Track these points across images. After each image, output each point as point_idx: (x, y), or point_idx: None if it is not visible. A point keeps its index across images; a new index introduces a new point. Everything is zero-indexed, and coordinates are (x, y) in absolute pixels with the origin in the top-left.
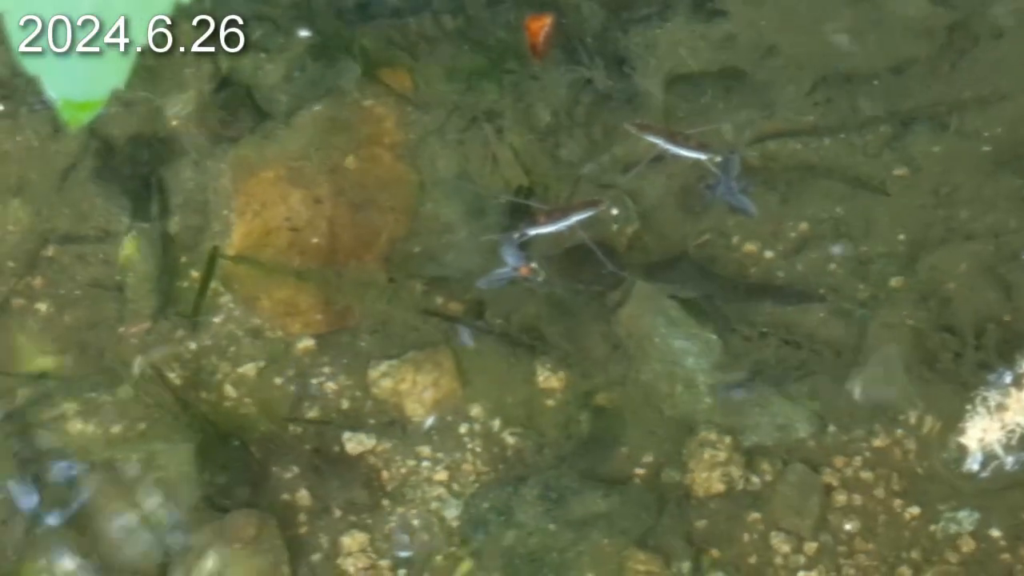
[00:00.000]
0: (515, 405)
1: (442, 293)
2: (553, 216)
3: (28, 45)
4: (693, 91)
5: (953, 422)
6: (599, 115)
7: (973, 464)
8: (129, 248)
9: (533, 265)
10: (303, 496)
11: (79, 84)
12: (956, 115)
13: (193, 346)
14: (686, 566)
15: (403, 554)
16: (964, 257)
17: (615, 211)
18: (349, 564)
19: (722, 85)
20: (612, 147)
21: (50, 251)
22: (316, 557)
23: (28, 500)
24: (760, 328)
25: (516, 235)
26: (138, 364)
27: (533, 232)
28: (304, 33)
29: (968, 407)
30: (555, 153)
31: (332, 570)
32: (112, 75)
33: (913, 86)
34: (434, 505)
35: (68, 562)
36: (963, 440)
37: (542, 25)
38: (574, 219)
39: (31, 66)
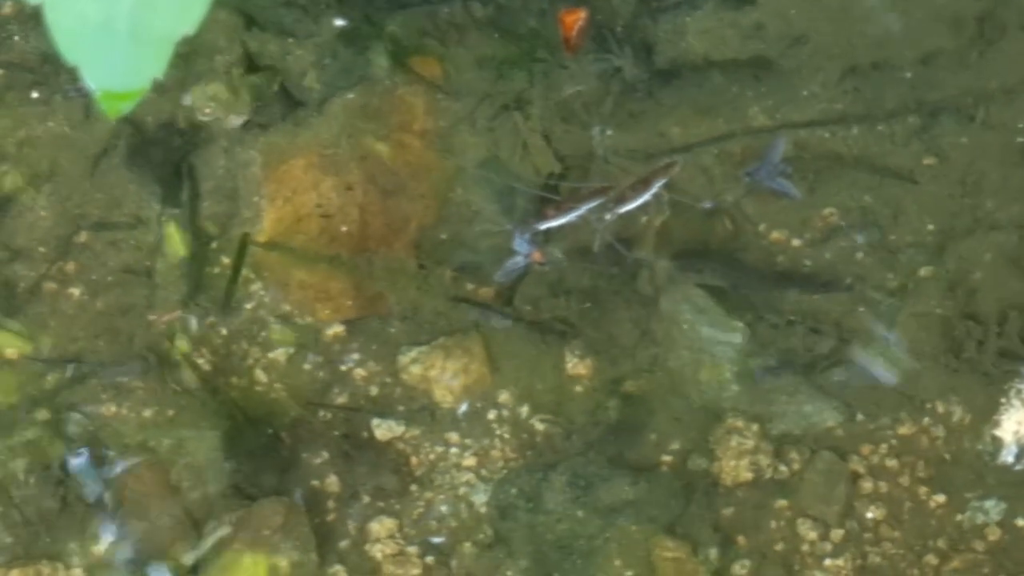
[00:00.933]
0: (544, 391)
1: (472, 280)
2: (563, 207)
3: (67, 35)
4: (722, 80)
5: (986, 414)
6: (628, 104)
7: (1008, 456)
8: (170, 233)
9: (544, 251)
10: (332, 482)
11: (118, 74)
12: (983, 106)
13: (223, 332)
14: (713, 553)
15: (431, 540)
16: (989, 247)
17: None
18: (377, 551)
19: (751, 74)
20: (639, 135)
21: (82, 237)
22: (344, 544)
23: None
24: (787, 316)
25: (526, 231)
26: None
27: (543, 226)
28: (339, 22)
29: (1002, 400)
30: (584, 141)
31: (360, 557)
32: (151, 65)
33: (941, 76)
34: (463, 491)
35: (108, 538)
36: (998, 432)
37: (576, 19)
38: (583, 210)
39: (70, 56)
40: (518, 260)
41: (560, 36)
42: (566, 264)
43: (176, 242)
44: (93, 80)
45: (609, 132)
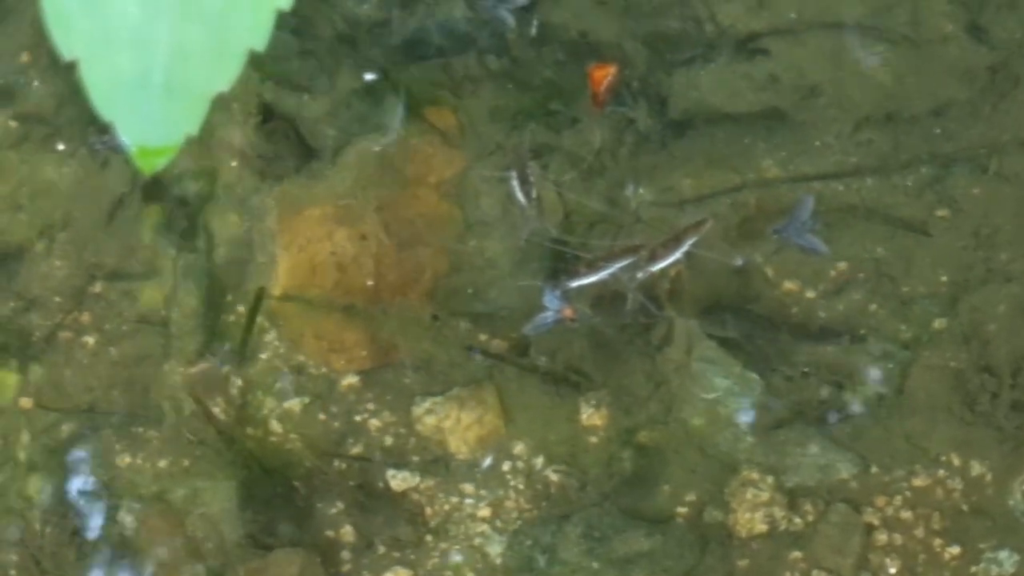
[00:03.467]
0: (558, 443)
1: (486, 330)
2: (595, 266)
3: (102, 90)
4: (735, 132)
5: (1012, 468)
6: (642, 156)
7: None
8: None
9: (575, 307)
10: (347, 532)
11: (153, 129)
12: (996, 157)
13: (239, 382)
14: None
15: None
16: (1003, 298)
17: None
18: None
19: (764, 125)
20: (655, 187)
21: (97, 287)
22: None
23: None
24: (801, 368)
25: (557, 287)
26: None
27: (575, 284)
28: (370, 76)
29: None
30: (598, 193)
31: None
32: (186, 120)
33: (954, 128)
34: (477, 542)
35: None
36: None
37: (605, 75)
38: (616, 267)
39: (105, 111)
40: (548, 315)
41: (588, 90)
42: (596, 320)
43: (190, 292)
44: (128, 135)
45: (641, 190)
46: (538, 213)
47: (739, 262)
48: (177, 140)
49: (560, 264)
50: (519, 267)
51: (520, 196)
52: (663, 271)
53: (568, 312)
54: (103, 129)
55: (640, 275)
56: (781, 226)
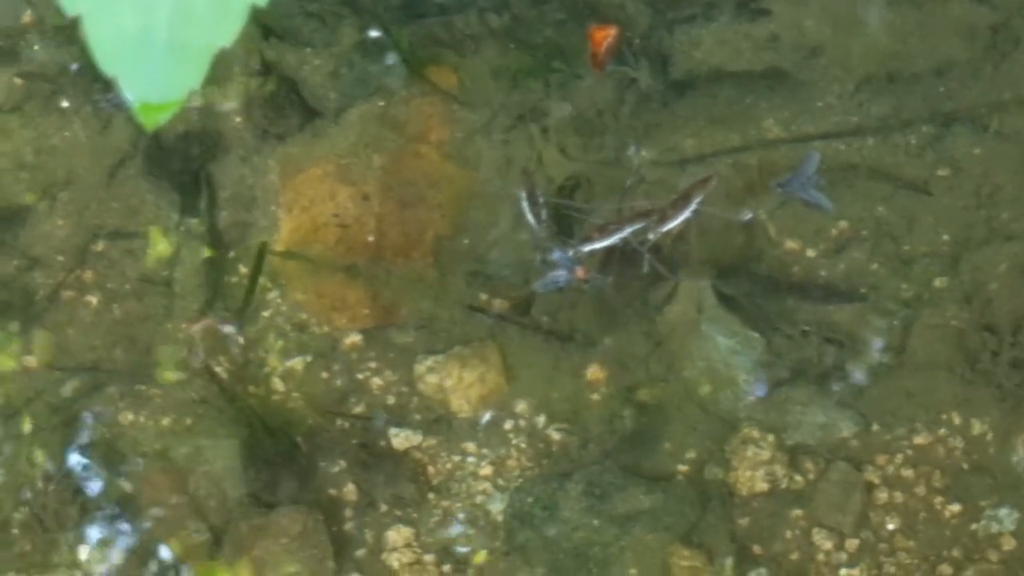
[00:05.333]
0: (560, 401)
1: (488, 290)
2: (606, 230)
3: (105, 46)
4: (737, 91)
5: (1013, 426)
6: (644, 115)
7: None
8: (179, 243)
9: (588, 269)
10: (349, 491)
11: (156, 85)
12: (997, 116)
13: (241, 341)
14: (728, 562)
15: (448, 548)
16: (1004, 257)
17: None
18: (394, 559)
19: (765, 85)
20: (657, 146)
21: (99, 246)
22: (361, 552)
23: (85, 485)
24: (802, 327)
25: (570, 251)
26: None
27: (587, 248)
28: (372, 34)
29: None
30: (600, 152)
31: (377, 565)
32: (188, 76)
33: (955, 87)
34: (479, 500)
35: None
36: None
37: (606, 36)
38: (628, 231)
39: (108, 67)
40: (560, 275)
41: (588, 51)
42: (606, 282)
43: (194, 251)
44: (130, 91)
45: (643, 151)
46: (549, 232)
47: (746, 217)
48: (179, 96)
49: (564, 226)
50: (521, 227)
51: (531, 217)
52: (670, 231)
53: (580, 273)
54: (108, 86)
55: (652, 236)
56: (785, 180)
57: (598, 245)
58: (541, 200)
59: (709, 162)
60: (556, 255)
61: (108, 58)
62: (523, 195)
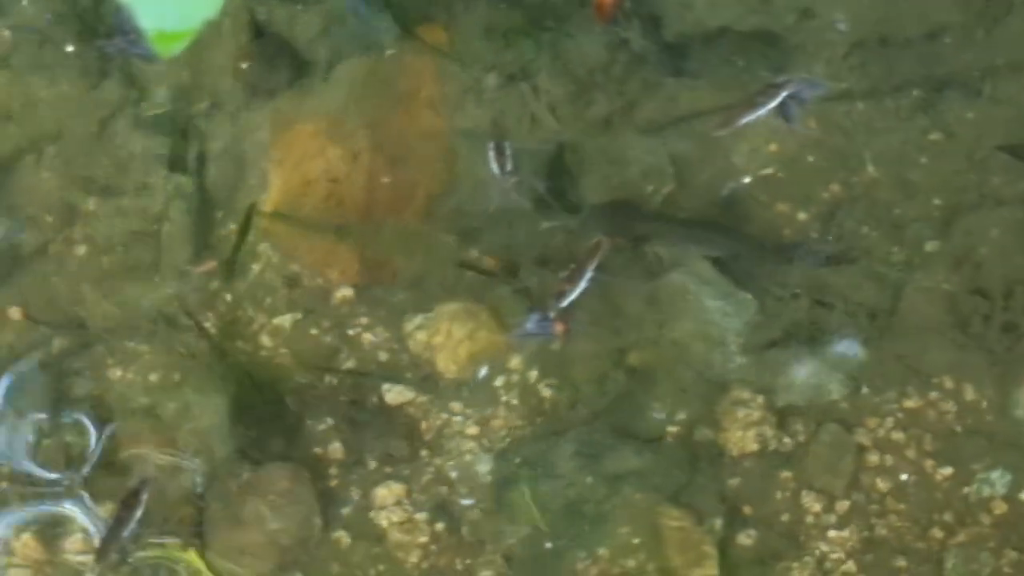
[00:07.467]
0: (550, 361)
1: (478, 247)
2: (574, 277)
3: None
4: (729, 53)
5: (1004, 389)
6: (634, 74)
7: None
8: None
9: (566, 320)
10: (336, 449)
11: (171, 14)
12: (990, 81)
13: (229, 297)
14: (719, 523)
15: (440, 505)
16: (996, 222)
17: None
18: (383, 517)
19: (758, 48)
20: (646, 106)
21: (89, 201)
22: (347, 510)
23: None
24: (793, 289)
25: (549, 311)
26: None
27: (565, 303)
28: None
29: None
30: (590, 111)
31: (365, 522)
32: (205, 5)
33: (947, 52)
34: (470, 457)
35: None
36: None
37: None
38: (591, 268)
39: None
40: (541, 338)
41: (593, 3)
42: (588, 330)
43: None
44: (146, 20)
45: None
46: (512, 184)
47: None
48: (195, 24)
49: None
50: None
51: (495, 167)
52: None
53: (560, 327)
54: (109, 32)
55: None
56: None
57: (574, 294)
58: (508, 152)
59: (702, 121)
60: (534, 322)
61: None
62: (491, 145)
